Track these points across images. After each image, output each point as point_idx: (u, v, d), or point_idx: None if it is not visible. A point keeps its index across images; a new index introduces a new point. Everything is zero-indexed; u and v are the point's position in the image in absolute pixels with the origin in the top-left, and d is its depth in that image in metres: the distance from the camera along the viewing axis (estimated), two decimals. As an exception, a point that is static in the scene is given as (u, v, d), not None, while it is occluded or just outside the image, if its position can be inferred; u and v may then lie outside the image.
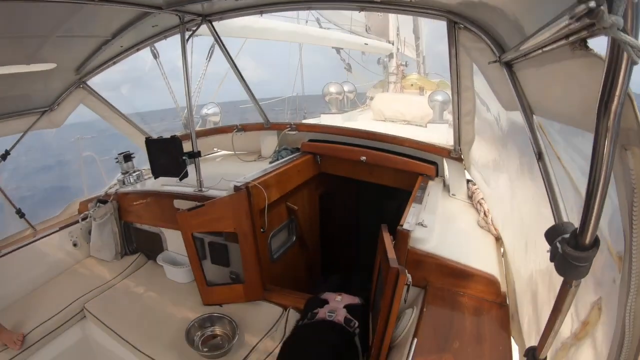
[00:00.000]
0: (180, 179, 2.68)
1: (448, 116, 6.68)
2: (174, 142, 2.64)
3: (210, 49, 4.59)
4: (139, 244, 3.42)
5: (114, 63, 3.15)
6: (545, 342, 1.01)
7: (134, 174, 3.46)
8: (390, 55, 8.63)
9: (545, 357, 1.06)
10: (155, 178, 2.88)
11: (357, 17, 7.71)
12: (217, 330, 2.38)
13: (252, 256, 2.49)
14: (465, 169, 2.67)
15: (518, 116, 1.40)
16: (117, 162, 3.45)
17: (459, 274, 1.80)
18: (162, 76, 4.10)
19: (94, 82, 3.34)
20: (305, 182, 3.19)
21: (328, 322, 1.91)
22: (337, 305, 2.03)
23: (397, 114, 6.20)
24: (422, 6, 2.11)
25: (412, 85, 8.73)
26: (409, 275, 1.45)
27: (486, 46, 1.71)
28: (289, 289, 2.73)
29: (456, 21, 2.00)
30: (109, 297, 2.78)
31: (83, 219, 3.27)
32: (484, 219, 2.28)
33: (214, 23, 2.77)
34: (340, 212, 4.15)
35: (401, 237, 1.87)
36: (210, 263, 2.76)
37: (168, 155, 2.70)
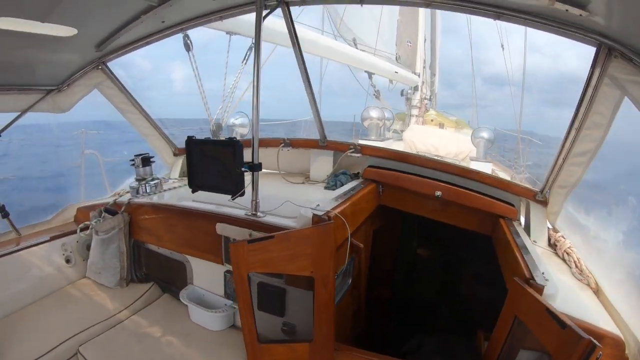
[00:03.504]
0: (233, 198, 2.08)
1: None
2: (233, 147, 2.01)
3: (247, 52, 4.16)
4: (151, 271, 2.74)
5: (147, 43, 2.59)
6: None
7: (152, 183, 2.83)
8: (415, 88, 8.43)
9: None
10: (193, 192, 2.26)
11: (389, 44, 7.51)
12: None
13: (329, 307, 1.86)
14: (547, 214, 2.38)
15: None
16: (133, 164, 2.82)
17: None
18: (194, 74, 3.61)
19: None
20: (368, 216, 2.66)
21: None
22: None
23: (430, 148, 5.91)
24: (569, 25, 1.73)
25: (432, 120, 8.57)
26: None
27: None
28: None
29: (612, 47, 1.66)
30: (112, 339, 2.10)
31: (82, 230, 2.65)
32: (578, 270, 2.05)
33: (291, 8, 2.30)
34: (385, 252, 3.59)
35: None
36: (257, 310, 2.13)
37: (218, 163, 2.10)
